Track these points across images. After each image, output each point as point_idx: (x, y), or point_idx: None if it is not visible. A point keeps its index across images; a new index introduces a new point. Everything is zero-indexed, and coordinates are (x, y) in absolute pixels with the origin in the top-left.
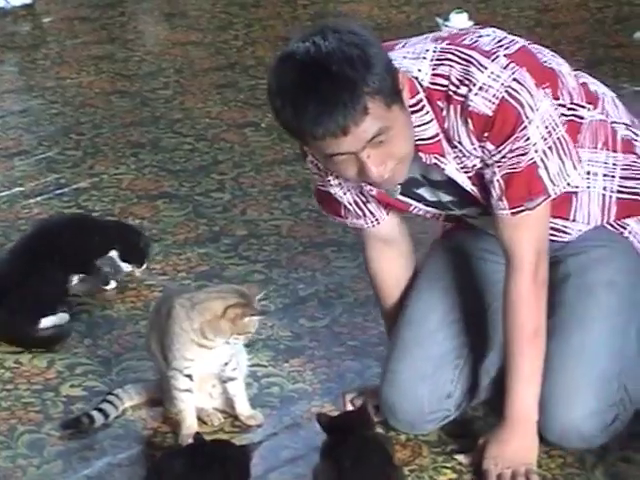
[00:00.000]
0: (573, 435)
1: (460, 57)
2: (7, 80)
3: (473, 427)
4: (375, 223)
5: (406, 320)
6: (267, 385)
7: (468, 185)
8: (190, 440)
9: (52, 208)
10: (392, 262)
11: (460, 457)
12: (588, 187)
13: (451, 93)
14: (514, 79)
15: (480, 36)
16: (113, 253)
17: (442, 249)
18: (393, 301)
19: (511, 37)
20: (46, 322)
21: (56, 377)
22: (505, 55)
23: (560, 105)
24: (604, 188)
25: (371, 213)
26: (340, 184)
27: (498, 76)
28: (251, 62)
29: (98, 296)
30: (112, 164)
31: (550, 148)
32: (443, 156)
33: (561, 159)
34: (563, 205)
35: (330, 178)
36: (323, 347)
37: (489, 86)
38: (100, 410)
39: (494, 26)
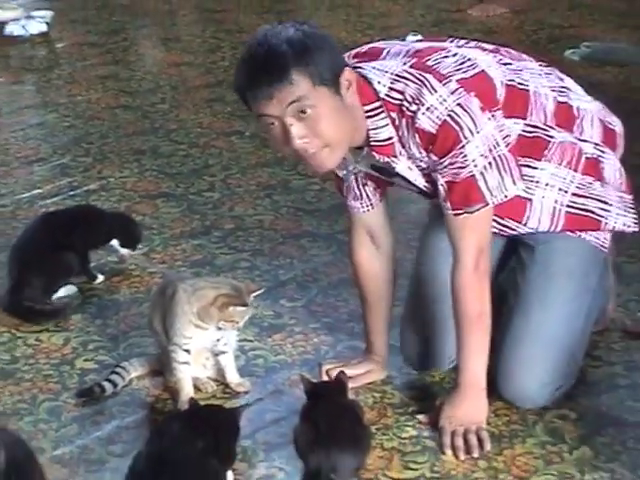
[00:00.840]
0: (527, 400)
1: (417, 78)
2: (26, 97)
3: (431, 391)
4: (370, 208)
5: (418, 283)
6: (253, 357)
7: (421, 183)
8: (187, 405)
9: (66, 207)
10: (374, 258)
11: (420, 417)
12: (543, 197)
13: (404, 108)
14: (458, 104)
15: (446, 57)
16: (114, 241)
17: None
18: (371, 294)
19: (477, 60)
20: (59, 293)
21: (71, 352)
22: (457, 80)
23: (527, 124)
24: (555, 201)
25: (367, 197)
26: (339, 167)
27: (445, 100)
28: None
29: (106, 282)
30: (117, 168)
31: (490, 164)
32: (395, 157)
33: (500, 174)
34: (517, 209)
35: None
36: (301, 324)
37: (435, 108)
38: (109, 380)
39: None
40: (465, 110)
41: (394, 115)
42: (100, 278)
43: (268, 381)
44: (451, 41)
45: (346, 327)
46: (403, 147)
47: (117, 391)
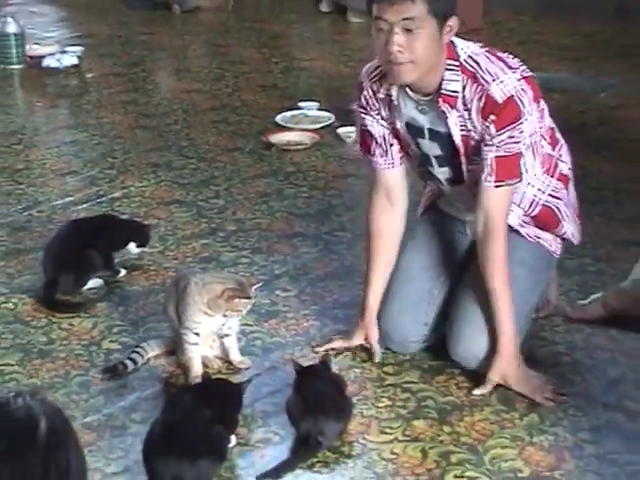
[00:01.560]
0: (473, 361)
1: (495, 59)
2: (60, 119)
3: (404, 367)
4: (391, 166)
5: (396, 269)
6: (252, 339)
7: (458, 140)
8: (198, 380)
9: (94, 213)
10: (391, 221)
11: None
12: (525, 190)
13: (478, 76)
14: (522, 89)
15: (514, 56)
16: (131, 244)
17: (425, 222)
18: (382, 257)
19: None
20: (88, 285)
21: (98, 335)
22: (522, 72)
23: (540, 127)
24: (534, 195)
25: (391, 155)
26: (377, 120)
27: (514, 81)
28: (238, 104)
29: (128, 276)
30: (137, 179)
31: (529, 146)
32: (453, 108)
33: (534, 156)
34: None
35: (373, 114)
36: (293, 311)
37: (506, 84)
38: (131, 359)
39: None
40: (527, 94)
41: (465, 78)
42: (122, 272)
43: (265, 359)
44: None
45: (331, 313)
46: (464, 105)
47: (137, 368)
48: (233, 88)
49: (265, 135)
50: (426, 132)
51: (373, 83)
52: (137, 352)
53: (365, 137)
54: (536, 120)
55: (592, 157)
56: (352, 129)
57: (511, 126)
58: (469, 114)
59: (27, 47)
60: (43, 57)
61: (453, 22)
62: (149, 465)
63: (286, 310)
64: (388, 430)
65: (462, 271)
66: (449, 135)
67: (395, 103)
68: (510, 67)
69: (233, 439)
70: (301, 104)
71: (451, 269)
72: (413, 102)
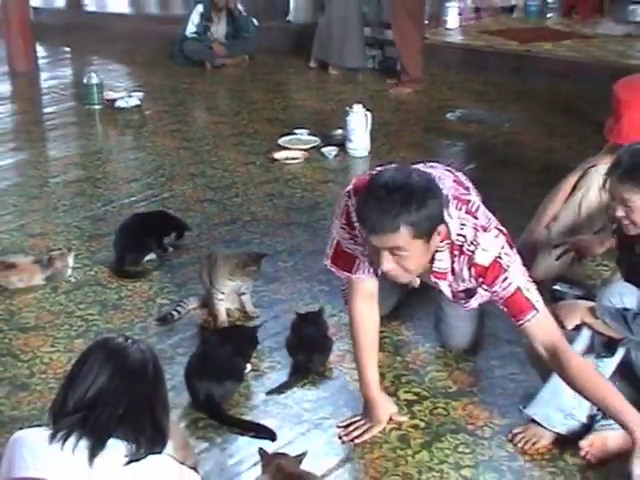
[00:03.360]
0: (466, 344)
1: (472, 226)
2: (127, 143)
3: None
4: (372, 276)
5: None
6: (262, 296)
7: (448, 293)
8: (224, 324)
9: (150, 209)
10: (373, 318)
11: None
12: None
13: (464, 248)
14: (502, 247)
15: (477, 205)
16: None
17: None
18: (366, 346)
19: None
20: (147, 257)
21: (153, 294)
22: (495, 227)
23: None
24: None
25: (374, 273)
26: (355, 241)
27: (493, 244)
28: (251, 131)
29: (174, 253)
30: (180, 184)
31: (527, 282)
32: (445, 280)
33: (534, 288)
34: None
35: (353, 233)
36: (290, 276)
37: (487, 250)
38: (177, 310)
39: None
40: (505, 251)
41: (456, 252)
42: (170, 249)
43: (270, 310)
44: (430, 166)
45: (317, 278)
46: (453, 275)
47: (181, 317)
48: (248, 120)
49: (270, 153)
50: (417, 280)
51: (363, 244)
52: (181, 305)
53: (343, 257)
54: (517, 257)
55: (500, 169)
56: (332, 148)
57: (499, 279)
58: (461, 275)
59: (105, 93)
60: (115, 100)
61: (441, 228)
62: (189, 385)
63: (285, 276)
64: None
65: None
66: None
67: None
68: (485, 228)
69: (248, 366)
70: (296, 131)
71: None
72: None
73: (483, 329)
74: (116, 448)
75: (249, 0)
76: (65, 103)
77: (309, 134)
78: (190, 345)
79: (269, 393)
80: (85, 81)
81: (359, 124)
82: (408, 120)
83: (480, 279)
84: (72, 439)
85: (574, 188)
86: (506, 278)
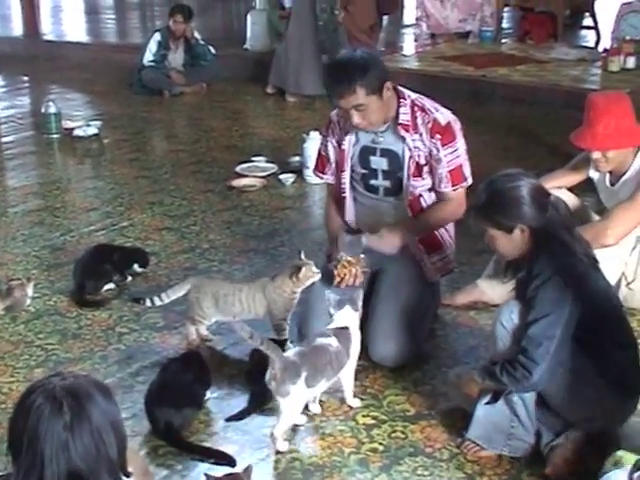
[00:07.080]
0: (388, 361)
1: (431, 102)
2: (86, 172)
3: None
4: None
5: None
6: (220, 323)
7: (406, 158)
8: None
9: (109, 238)
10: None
11: None
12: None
13: (426, 110)
14: (455, 120)
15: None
16: (135, 265)
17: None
18: (335, 226)
19: None
20: (107, 286)
21: (113, 322)
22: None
23: None
24: None
25: (334, 174)
26: (334, 148)
27: (449, 114)
28: (209, 159)
29: (132, 281)
30: (139, 213)
31: (466, 159)
32: (408, 132)
33: (468, 165)
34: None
35: (332, 141)
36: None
37: (444, 114)
38: (151, 299)
39: None
40: (457, 125)
41: (416, 109)
42: (129, 278)
43: (229, 337)
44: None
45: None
46: (415, 131)
47: (153, 306)
48: (206, 148)
49: (228, 180)
50: (378, 151)
51: (340, 117)
52: (159, 297)
53: (323, 162)
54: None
55: None
56: (290, 175)
57: (452, 143)
58: (420, 136)
59: (63, 122)
60: (74, 129)
61: (388, 84)
62: (149, 412)
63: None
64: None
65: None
66: (397, 155)
67: (355, 136)
68: (441, 106)
69: (208, 393)
70: (253, 158)
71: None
72: (371, 133)
73: (417, 348)
74: None
75: (206, 28)
76: (23, 132)
77: (267, 161)
78: (150, 373)
79: (229, 420)
80: (43, 110)
81: (316, 151)
82: None
83: (437, 135)
84: None
85: None
86: (456, 150)
